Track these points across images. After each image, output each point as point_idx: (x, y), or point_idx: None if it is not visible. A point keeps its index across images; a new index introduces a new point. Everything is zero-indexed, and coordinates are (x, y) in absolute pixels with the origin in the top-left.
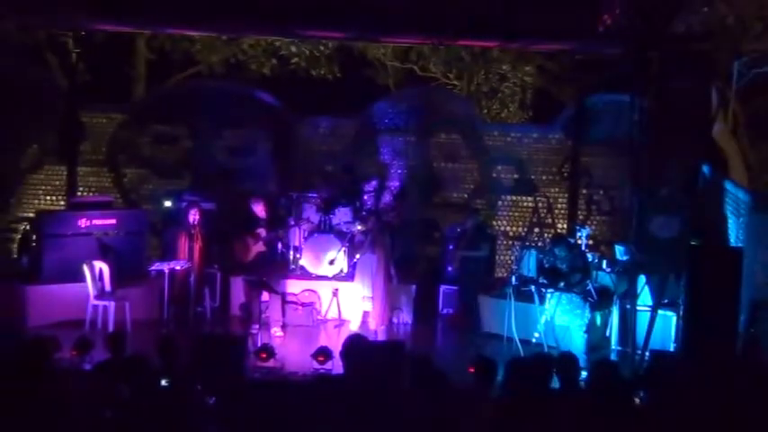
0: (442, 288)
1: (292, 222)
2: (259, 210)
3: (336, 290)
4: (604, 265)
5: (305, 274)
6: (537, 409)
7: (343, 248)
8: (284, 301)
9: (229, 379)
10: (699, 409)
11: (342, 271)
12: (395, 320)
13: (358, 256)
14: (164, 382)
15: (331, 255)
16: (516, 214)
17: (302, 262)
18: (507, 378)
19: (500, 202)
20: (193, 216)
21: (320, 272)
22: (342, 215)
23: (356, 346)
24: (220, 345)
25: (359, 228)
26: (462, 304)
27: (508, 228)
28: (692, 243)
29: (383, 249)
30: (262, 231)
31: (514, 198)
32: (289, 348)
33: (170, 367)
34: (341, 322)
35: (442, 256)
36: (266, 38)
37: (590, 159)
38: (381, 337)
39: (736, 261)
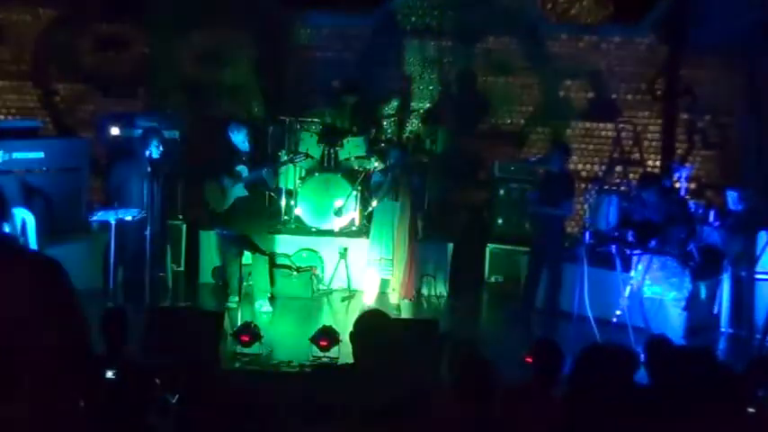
0: (490, 248)
1: (285, 158)
2: (240, 141)
3: (345, 250)
4: (711, 218)
5: (302, 229)
6: (616, 414)
7: (354, 193)
8: (273, 265)
9: (198, 370)
10: None
11: (352, 224)
12: (425, 291)
13: (374, 203)
14: (109, 374)
15: (338, 202)
16: (591, 147)
17: (298, 212)
18: (577, 371)
19: (569, 131)
20: (152, 148)
21: (323, 225)
22: (352, 148)
23: (372, 326)
24: (187, 323)
25: (376, 165)
26: (531, 272)
27: (580, 166)
28: None
29: (409, 195)
30: (243, 170)
31: (588, 125)
32: (280, 329)
33: (117, 354)
34: (351, 294)
35: (489, 204)
36: None
37: (692, 73)
38: (406, 313)
39: None
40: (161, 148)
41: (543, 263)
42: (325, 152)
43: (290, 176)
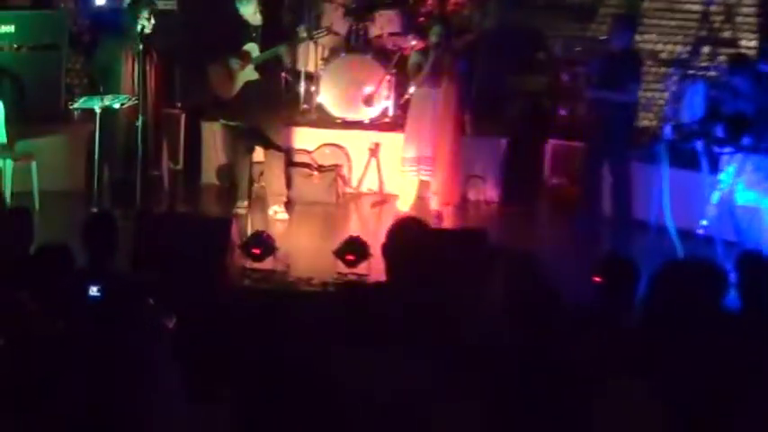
0: (551, 144)
1: (304, 34)
2: (249, 12)
3: (376, 145)
4: None
5: (324, 120)
6: (701, 344)
7: (388, 78)
8: (290, 163)
9: (201, 289)
10: None
11: (386, 115)
12: (471, 196)
13: (412, 90)
14: (93, 291)
15: (368, 88)
16: (673, 23)
17: (320, 99)
18: (655, 293)
19: (646, 3)
20: (143, 21)
21: (350, 115)
22: (385, 23)
23: (408, 237)
24: (186, 232)
25: (413, 44)
26: (587, 172)
27: (659, 46)
28: None
29: (453, 79)
30: (253, 48)
31: None
32: (298, 240)
33: (103, 267)
34: (383, 198)
35: (552, 91)
36: None
37: None
38: (449, 222)
39: None
40: (153, 21)
41: (601, 160)
42: (353, 28)
43: (310, 57)
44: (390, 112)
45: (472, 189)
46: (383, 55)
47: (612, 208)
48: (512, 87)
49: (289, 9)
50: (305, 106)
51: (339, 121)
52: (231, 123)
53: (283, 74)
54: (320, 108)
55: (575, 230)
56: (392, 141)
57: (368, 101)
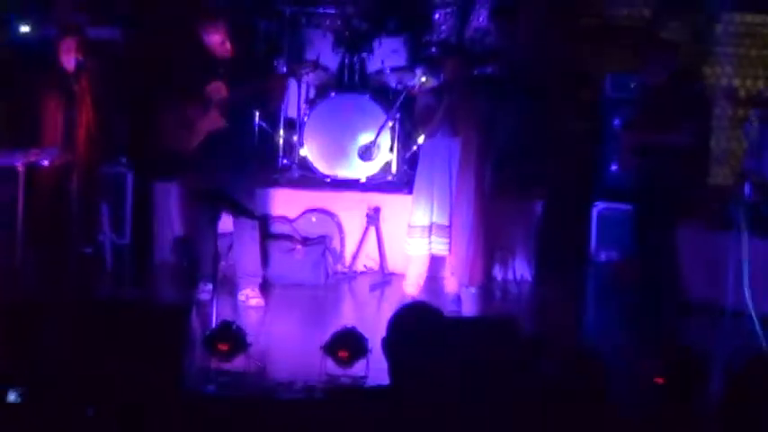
0: (599, 208)
1: (284, 69)
2: (216, 42)
3: (376, 210)
4: None
5: (310, 179)
6: None
7: (390, 124)
8: (267, 235)
9: (152, 395)
10: None
11: (388, 171)
12: (498, 275)
13: (421, 139)
14: (11, 397)
15: (365, 138)
16: (753, 53)
17: (304, 152)
18: (734, 397)
19: (719, 26)
20: (71, 55)
21: (342, 173)
22: (387, 54)
23: (418, 328)
24: (133, 323)
25: (423, 81)
26: (642, 243)
27: (736, 81)
28: None
29: (474, 126)
30: (218, 88)
31: (749, 19)
32: (277, 333)
33: (27, 367)
34: (384, 278)
35: (598, 140)
36: None
37: None
38: (470, 309)
39: None
40: (82, 58)
41: (653, 225)
42: (346, 61)
43: (292, 98)
44: (394, 169)
45: (499, 265)
46: (384, 95)
47: (675, 286)
48: (549, 135)
49: (265, 37)
50: (285, 162)
51: (328, 180)
52: (191, 184)
53: (258, 117)
54: (304, 164)
55: (628, 317)
56: (396, 206)
57: (365, 154)
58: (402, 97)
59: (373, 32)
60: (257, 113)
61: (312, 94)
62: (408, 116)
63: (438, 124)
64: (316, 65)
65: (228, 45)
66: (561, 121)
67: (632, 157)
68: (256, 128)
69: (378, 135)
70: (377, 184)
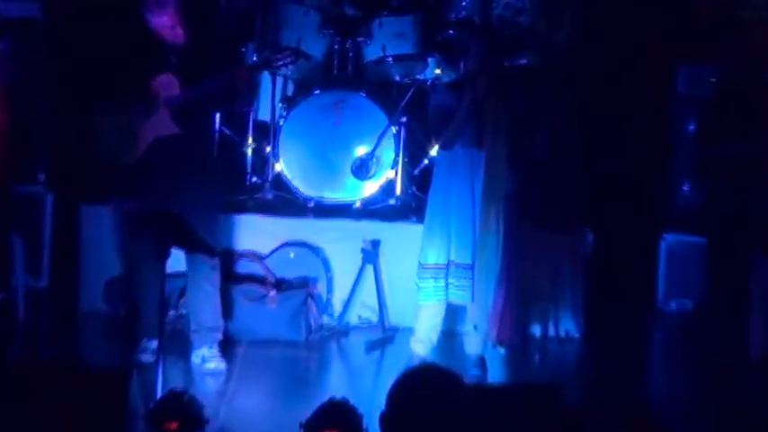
0: (668, 241)
1: (254, 57)
2: (164, 24)
3: (374, 244)
4: None
5: (288, 203)
6: None
7: (394, 130)
8: (231, 277)
9: None
10: None
11: (391, 193)
12: (536, 330)
13: (435, 151)
14: None
15: (360, 148)
16: None
17: (281, 167)
18: None
19: None
20: None
21: (329, 195)
22: (389, 38)
23: (429, 399)
24: (55, 393)
25: (437, 73)
26: (719, 285)
27: None
28: None
29: (503, 133)
30: (168, 83)
31: None
32: (243, 406)
33: None
34: (385, 333)
35: (666, 152)
36: None
37: None
38: (499, 374)
39: None
40: None
41: (730, 262)
42: (336, 47)
43: (265, 96)
44: (398, 190)
45: (538, 317)
46: (386, 92)
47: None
48: (603, 146)
49: (229, 17)
50: (255, 180)
51: (312, 204)
52: (131, 207)
53: (219, 120)
54: (280, 182)
55: (710, 379)
56: (401, 238)
57: (360, 170)
58: (409, 95)
59: (372, 8)
60: (219, 116)
61: (291, 90)
62: (417, 120)
63: (457, 131)
64: (296, 53)
65: (181, 28)
66: (619, 127)
67: (710, 174)
68: (217, 135)
69: (377, 145)
70: (376, 210)
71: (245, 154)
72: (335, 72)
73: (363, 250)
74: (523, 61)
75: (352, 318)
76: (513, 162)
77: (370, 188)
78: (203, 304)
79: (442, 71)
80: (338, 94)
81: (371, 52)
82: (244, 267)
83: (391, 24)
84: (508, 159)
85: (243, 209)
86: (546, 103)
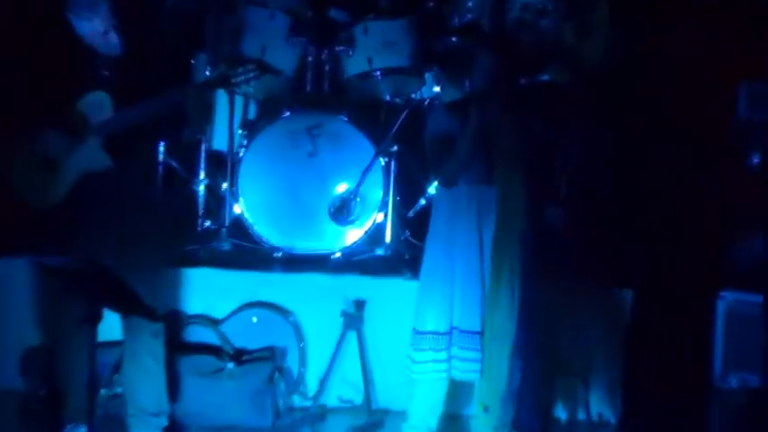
0: (727, 301)
1: (207, 72)
2: (95, 31)
3: (358, 306)
4: None
5: (250, 253)
6: None
7: (383, 162)
8: (178, 347)
9: None
10: None
11: (378, 242)
12: (561, 413)
13: (433, 188)
14: None
15: (340, 185)
16: None
17: (241, 209)
18: None
19: None
20: None
21: (303, 243)
22: (377, 47)
23: None
24: None
25: (436, 92)
26: None
27: None
28: None
29: (519, 165)
30: (98, 104)
31: None
32: None
33: None
34: (371, 418)
35: (724, 188)
36: None
37: None
38: None
39: None
40: None
41: None
42: (310, 59)
43: (221, 120)
44: (388, 236)
45: (564, 397)
46: (371, 115)
47: None
48: (644, 181)
49: (176, 23)
50: (209, 225)
51: (280, 254)
52: (52, 261)
53: (163, 152)
54: (240, 228)
55: None
56: (391, 297)
57: (340, 212)
58: (402, 119)
59: (356, 9)
60: (163, 145)
61: (253, 113)
62: (412, 150)
63: (461, 164)
64: (260, 66)
65: (115, 34)
66: (665, 160)
67: None
68: (161, 169)
69: (361, 181)
70: (360, 263)
71: (196, 193)
72: (309, 89)
73: (345, 313)
74: (546, 77)
75: (331, 398)
76: (531, 203)
77: (352, 235)
78: (143, 382)
79: (442, 89)
80: (313, 118)
81: (354, 65)
82: (194, 335)
83: (379, 30)
84: (526, 199)
85: (193, 261)
86: (574, 131)
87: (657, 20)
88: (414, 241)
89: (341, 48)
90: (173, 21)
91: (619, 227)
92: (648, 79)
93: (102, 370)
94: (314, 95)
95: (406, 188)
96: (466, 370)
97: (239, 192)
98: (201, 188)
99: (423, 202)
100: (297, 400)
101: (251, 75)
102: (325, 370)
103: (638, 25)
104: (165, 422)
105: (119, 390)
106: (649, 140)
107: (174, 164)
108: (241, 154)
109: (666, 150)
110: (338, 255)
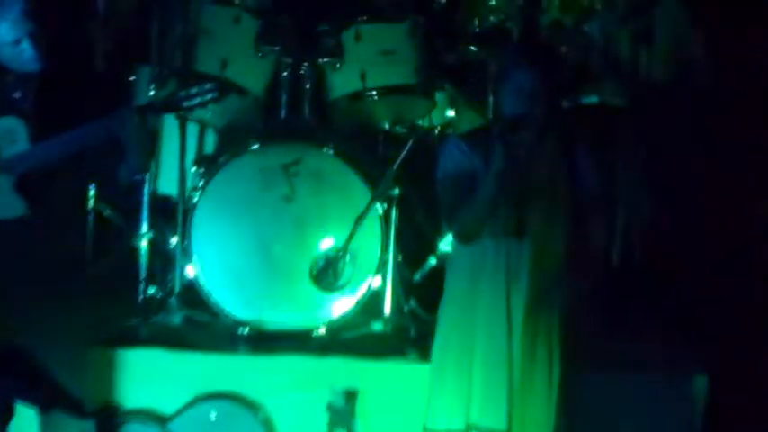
0: None
1: (151, 92)
2: (1, 41)
3: (349, 397)
4: None
5: (208, 329)
6: None
7: (380, 210)
8: None
9: None
10: None
11: (374, 313)
12: None
13: (448, 242)
14: None
15: (325, 240)
16: None
17: (196, 271)
18: None
19: None
20: None
21: (276, 317)
22: (371, 59)
23: None
24: None
25: (450, 118)
26: None
27: None
28: None
29: (556, 219)
30: (8, 131)
31: None
32: None
33: None
34: None
35: None
36: None
37: None
38: None
39: None
40: None
41: None
42: (285, 74)
43: (169, 155)
44: (387, 307)
45: None
46: (368, 147)
47: None
48: (721, 238)
49: (109, 29)
50: (153, 292)
51: (246, 331)
52: None
53: (93, 203)
54: (194, 296)
55: None
56: (391, 385)
57: (325, 274)
58: (406, 152)
59: (345, 10)
60: (93, 188)
61: (212, 145)
62: (419, 193)
63: (483, 211)
64: (220, 84)
65: (30, 46)
66: (749, 210)
67: None
68: (91, 218)
69: (352, 234)
70: (351, 341)
71: (136, 250)
72: (284, 114)
73: (331, 407)
74: (594, 98)
75: None
76: (575, 261)
77: (341, 305)
78: None
79: (457, 113)
80: (289, 152)
81: (343, 82)
82: None
83: (376, 36)
84: (568, 257)
85: (133, 340)
86: (631, 170)
87: (745, 18)
88: (421, 313)
89: (325, 59)
90: (106, 27)
91: (691, 293)
92: (737, 98)
93: None
94: (291, 122)
95: (412, 243)
96: None
97: (193, 249)
98: (144, 244)
99: (433, 261)
100: None
101: (208, 96)
102: None
103: (720, 26)
104: None
105: None
106: (743, 183)
107: (108, 212)
108: (195, 199)
109: (751, 194)
110: (322, 331)
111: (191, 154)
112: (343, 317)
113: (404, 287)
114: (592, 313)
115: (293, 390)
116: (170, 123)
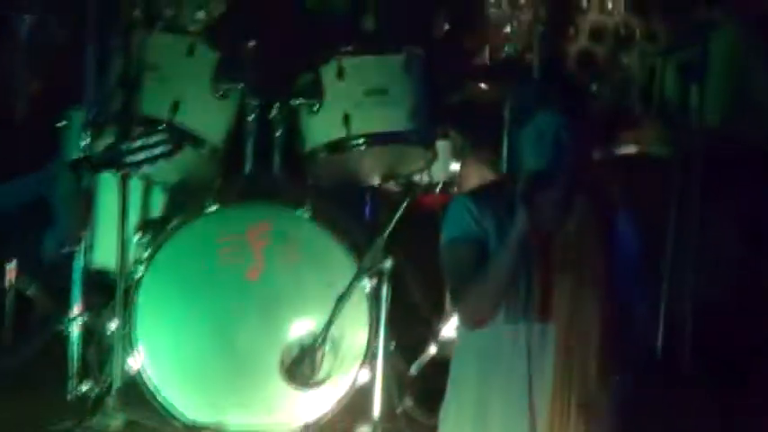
0: None
1: (86, 142)
2: None
3: None
4: None
5: None
6: None
7: (367, 284)
8: None
9: None
10: None
11: (362, 413)
12: None
13: (454, 326)
14: None
15: (299, 324)
16: None
17: (142, 363)
18: None
19: None
20: None
21: (239, 417)
22: (357, 98)
23: None
24: None
25: (453, 174)
26: None
27: None
28: None
29: (589, 297)
30: None
31: None
32: None
33: None
34: None
35: None
36: None
37: None
38: None
39: None
40: None
41: None
42: (250, 118)
43: (107, 220)
44: (376, 408)
45: None
46: (352, 209)
47: None
48: None
49: (34, 62)
50: (86, 389)
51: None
52: None
53: (12, 279)
54: (137, 393)
55: None
56: None
57: (300, 367)
58: (399, 215)
59: (330, 36)
60: (13, 263)
61: (159, 207)
62: (416, 265)
63: (498, 290)
64: (170, 131)
65: None
66: None
67: None
68: (11, 300)
69: (333, 316)
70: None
71: (66, 337)
72: (250, 169)
73: None
74: (631, 147)
75: None
76: (615, 350)
77: (319, 404)
78: None
79: (464, 167)
80: (255, 214)
81: (323, 128)
82: None
83: (362, 71)
84: (604, 346)
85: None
86: (688, 234)
87: None
88: (418, 415)
89: (299, 101)
90: (31, 60)
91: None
92: None
93: None
94: (257, 178)
95: (407, 328)
96: None
97: (137, 335)
98: (75, 331)
99: (433, 350)
100: None
101: (158, 148)
102: None
103: None
104: None
105: None
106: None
107: (32, 291)
108: (139, 274)
109: None
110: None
111: (133, 218)
112: (322, 419)
113: (397, 382)
114: (638, 416)
115: None
116: (107, 180)
